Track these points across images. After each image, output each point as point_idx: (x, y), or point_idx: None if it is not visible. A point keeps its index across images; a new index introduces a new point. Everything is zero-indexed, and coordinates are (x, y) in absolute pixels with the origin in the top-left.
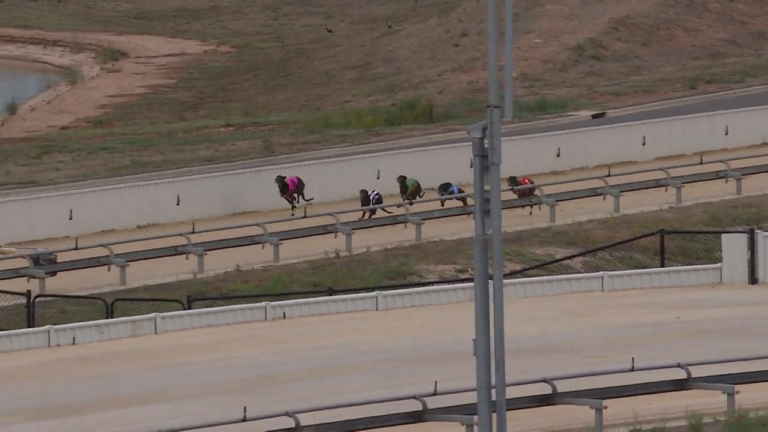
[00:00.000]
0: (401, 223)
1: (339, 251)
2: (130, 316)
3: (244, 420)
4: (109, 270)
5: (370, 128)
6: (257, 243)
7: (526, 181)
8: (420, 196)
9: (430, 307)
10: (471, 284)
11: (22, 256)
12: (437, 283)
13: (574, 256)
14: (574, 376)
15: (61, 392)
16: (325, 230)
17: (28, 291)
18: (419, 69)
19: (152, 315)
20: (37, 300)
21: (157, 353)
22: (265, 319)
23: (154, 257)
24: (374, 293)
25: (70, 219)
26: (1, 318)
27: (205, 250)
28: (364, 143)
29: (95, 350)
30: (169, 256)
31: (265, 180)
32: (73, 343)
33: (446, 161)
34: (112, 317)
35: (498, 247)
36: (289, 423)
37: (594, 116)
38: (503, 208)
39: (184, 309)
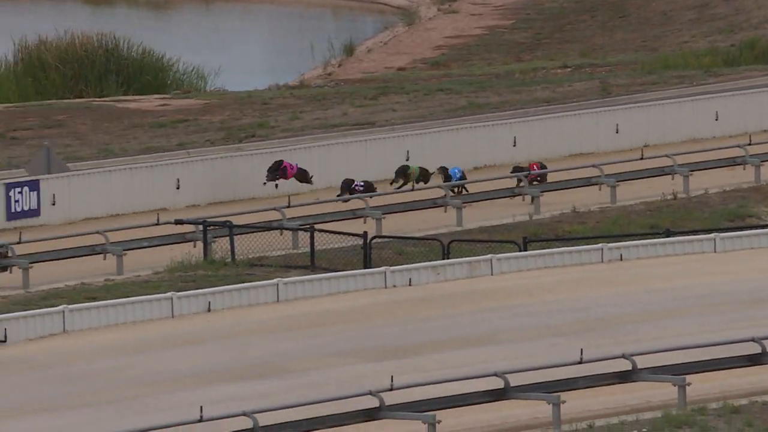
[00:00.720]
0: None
1: (676, 193)
2: (466, 257)
3: (580, 362)
4: (445, 211)
5: (709, 69)
6: (594, 184)
7: (534, 166)
8: (418, 182)
9: None
10: None
11: None
12: None
13: None
14: None
15: (397, 333)
16: (662, 172)
17: (365, 232)
18: (759, 9)
19: (488, 256)
20: (374, 241)
21: (492, 295)
22: (602, 261)
23: (489, 199)
24: (712, 235)
25: (407, 160)
26: (338, 259)
27: (541, 192)
28: (702, 84)
29: (431, 291)
30: (505, 198)
31: (602, 123)
32: (409, 284)
33: None
34: (448, 258)
35: None
36: (626, 365)
37: None
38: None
39: (520, 250)
